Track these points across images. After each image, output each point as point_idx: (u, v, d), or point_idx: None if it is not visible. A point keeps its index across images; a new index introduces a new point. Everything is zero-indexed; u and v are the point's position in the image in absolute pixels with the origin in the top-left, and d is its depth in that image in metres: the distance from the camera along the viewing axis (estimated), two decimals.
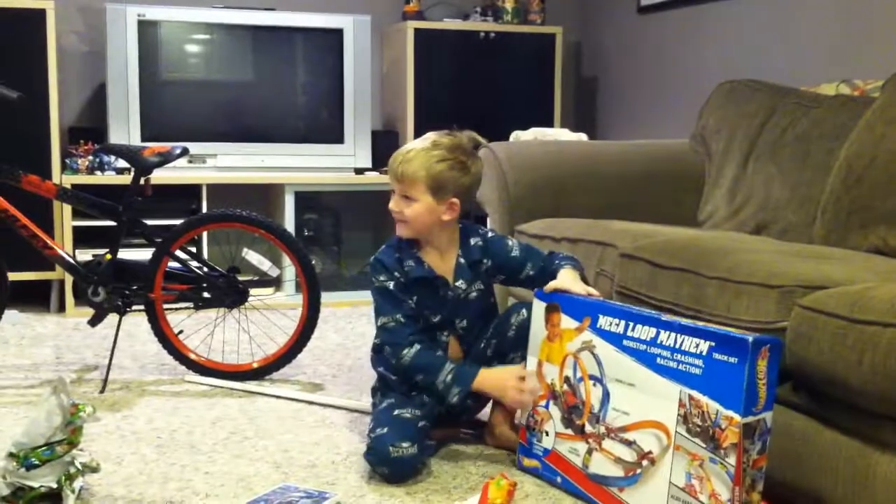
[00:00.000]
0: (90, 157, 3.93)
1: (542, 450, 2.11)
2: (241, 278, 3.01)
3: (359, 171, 4.32)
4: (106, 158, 3.93)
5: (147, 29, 4.00)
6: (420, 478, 2.13)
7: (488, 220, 3.24)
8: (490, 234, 2.39)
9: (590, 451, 1.98)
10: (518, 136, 3.95)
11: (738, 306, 1.96)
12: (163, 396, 2.76)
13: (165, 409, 2.64)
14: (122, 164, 3.85)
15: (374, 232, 4.55)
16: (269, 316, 3.13)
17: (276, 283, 3.91)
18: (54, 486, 1.93)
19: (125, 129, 3.95)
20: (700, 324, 1.82)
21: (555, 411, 2.09)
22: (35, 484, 1.94)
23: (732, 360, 1.70)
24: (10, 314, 3.66)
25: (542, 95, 4.66)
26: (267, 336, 3.07)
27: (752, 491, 1.73)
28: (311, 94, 4.42)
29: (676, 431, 1.78)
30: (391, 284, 2.26)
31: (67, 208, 3.74)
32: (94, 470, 2.01)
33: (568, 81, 4.88)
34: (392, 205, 2.28)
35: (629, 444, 1.89)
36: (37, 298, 3.95)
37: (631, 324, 1.91)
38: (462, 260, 2.33)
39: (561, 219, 3.03)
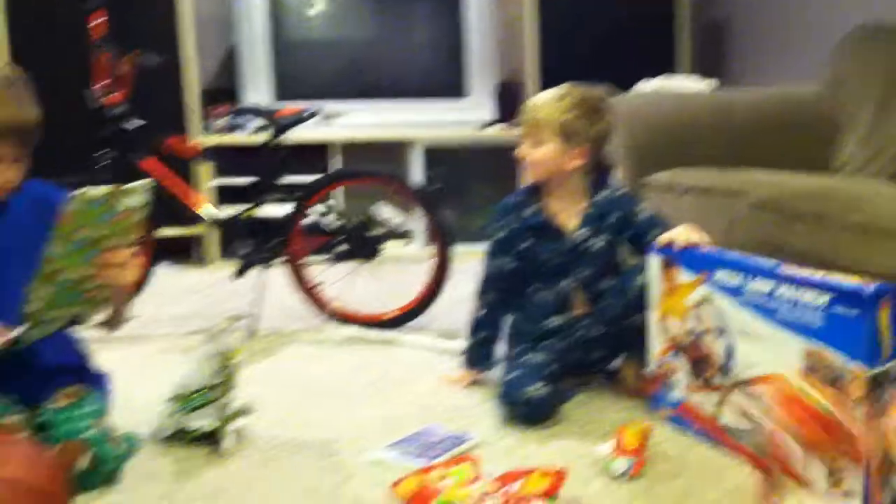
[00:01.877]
0: (226, 118, 4.09)
1: (675, 400, 2.14)
2: (373, 232, 3.13)
3: (484, 125, 4.37)
4: (241, 119, 4.09)
5: None
6: (554, 422, 2.19)
7: (615, 172, 3.25)
8: (622, 190, 2.45)
9: (720, 403, 2.01)
10: (644, 85, 3.93)
11: (875, 255, 1.94)
12: (305, 345, 2.91)
13: (309, 356, 2.78)
14: (256, 123, 4.00)
15: (499, 184, 4.59)
16: (403, 267, 3.24)
17: (407, 235, 4.02)
18: (213, 427, 2.07)
19: (258, 89, 4.09)
20: (818, 275, 1.79)
21: (682, 363, 2.12)
22: (195, 425, 2.08)
23: (853, 311, 1.67)
24: (160, 268, 3.87)
25: (667, 43, 4.60)
26: (401, 287, 3.18)
27: (887, 439, 1.72)
28: (435, 50, 4.49)
29: (802, 384, 1.77)
30: (501, 233, 2.39)
31: (208, 167, 3.92)
32: (248, 413, 2.14)
33: (693, 28, 4.79)
34: (521, 150, 2.37)
35: (756, 396, 1.90)
36: (183, 252, 4.15)
37: (748, 277, 1.90)
38: (589, 211, 2.37)
39: (688, 169, 3.02)
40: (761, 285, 1.87)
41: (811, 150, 3.19)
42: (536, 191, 2.40)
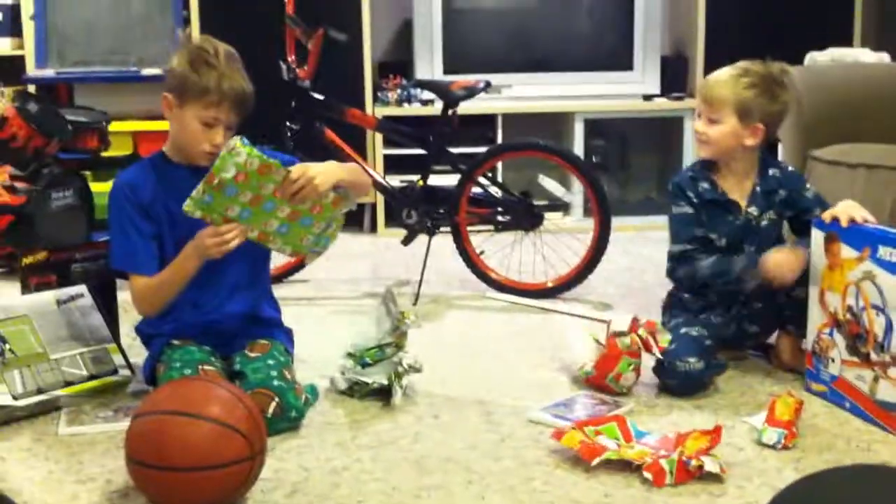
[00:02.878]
0: (398, 91, 4.27)
1: (829, 376, 2.17)
2: (535, 203, 3.23)
3: (647, 98, 4.38)
4: (412, 91, 4.25)
5: None
6: (707, 393, 2.26)
7: (780, 146, 3.24)
8: (790, 168, 2.47)
9: (876, 379, 2.03)
10: (814, 58, 3.85)
11: None
12: (467, 310, 3.06)
13: (470, 321, 2.93)
14: (426, 96, 4.16)
15: (661, 157, 4.61)
16: (561, 238, 3.33)
17: (566, 207, 4.11)
18: (385, 382, 2.24)
19: (429, 62, 4.24)
20: None
21: (839, 339, 2.14)
22: (368, 380, 2.26)
23: None
24: None
25: (841, 13, 4.47)
26: (559, 257, 3.28)
27: None
28: (600, 21, 4.51)
29: None
30: (688, 210, 2.39)
31: (379, 138, 4.10)
32: (418, 370, 2.30)
33: None
34: (697, 126, 2.39)
35: None
36: (351, 220, 4.37)
37: None
38: (758, 188, 2.40)
39: (858, 144, 2.97)
40: None
41: None
42: (708, 165, 2.42)
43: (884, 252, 2.00)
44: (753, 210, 2.39)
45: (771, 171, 2.42)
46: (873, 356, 2.04)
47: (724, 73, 2.36)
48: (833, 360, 2.16)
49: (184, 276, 2.12)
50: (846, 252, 2.11)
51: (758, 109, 2.32)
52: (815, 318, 2.21)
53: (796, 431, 1.98)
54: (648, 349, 2.24)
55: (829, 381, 2.17)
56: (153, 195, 2.17)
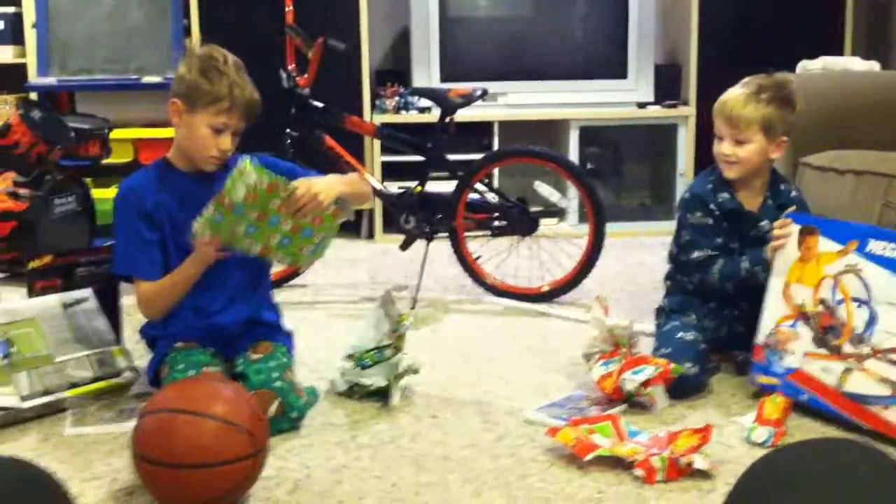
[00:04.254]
0: (396, 98, 4.32)
1: (784, 369, 2.18)
2: (531, 209, 3.29)
3: (641, 106, 4.43)
4: (409, 99, 4.30)
5: None
6: (701, 395, 2.31)
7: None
8: (798, 192, 2.51)
9: (848, 371, 2.05)
10: (805, 66, 3.91)
11: None
12: (464, 314, 3.11)
13: (467, 324, 2.98)
14: (423, 104, 4.21)
15: (654, 164, 4.67)
16: (557, 243, 3.39)
17: (561, 213, 4.15)
18: (383, 383, 2.29)
19: (426, 70, 4.29)
20: None
21: (804, 331, 2.15)
22: (368, 381, 2.31)
23: None
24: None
25: (832, 22, 4.53)
26: (555, 262, 3.33)
27: None
28: (594, 30, 4.57)
29: None
30: (709, 220, 2.42)
31: (377, 145, 4.16)
32: (416, 372, 2.35)
33: (860, 5, 4.69)
34: (724, 149, 2.39)
35: None
36: (349, 226, 4.42)
37: None
38: (770, 201, 2.45)
39: (848, 150, 3.03)
40: None
41: None
42: (722, 176, 2.44)
43: (875, 246, 2.04)
44: (765, 223, 2.41)
45: (784, 186, 2.47)
46: (848, 348, 2.06)
47: (740, 94, 2.38)
48: (792, 353, 2.17)
49: (186, 281, 2.17)
50: (826, 245, 2.13)
51: (781, 122, 2.36)
52: (775, 311, 2.22)
53: (785, 430, 2.03)
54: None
55: (783, 374, 2.18)
56: (156, 202, 2.21)
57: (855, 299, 2.07)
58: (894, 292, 2.00)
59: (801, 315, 2.18)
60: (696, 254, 2.43)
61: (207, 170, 2.18)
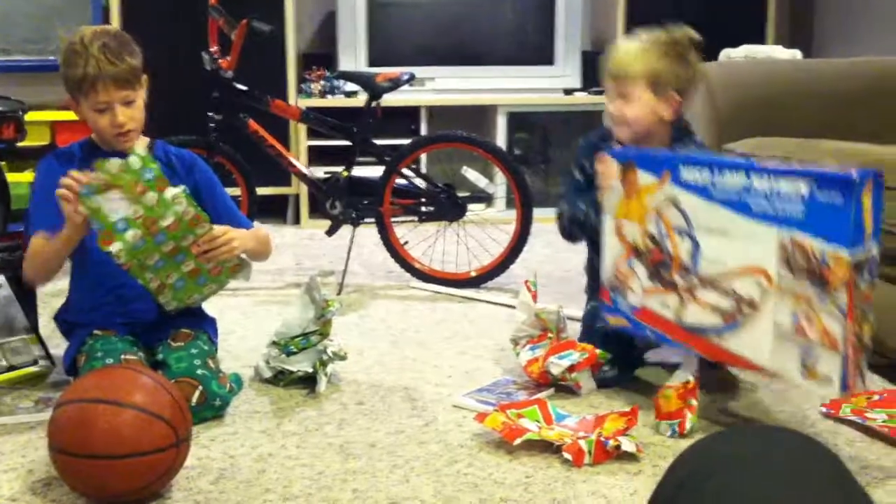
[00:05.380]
0: (322, 82, 4.27)
1: (630, 307, 2.11)
2: (458, 194, 3.28)
3: (568, 92, 4.46)
4: (336, 83, 4.26)
5: None
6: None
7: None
8: (701, 143, 2.34)
9: (682, 303, 1.99)
10: (728, 54, 3.97)
11: None
12: (392, 299, 3.08)
13: (395, 310, 2.96)
14: (350, 88, 4.17)
15: None
16: (485, 229, 3.38)
17: (488, 198, 4.15)
18: (310, 370, 2.26)
19: (353, 54, 4.25)
20: (795, 164, 1.78)
21: (639, 268, 2.07)
22: (293, 368, 2.28)
23: (837, 198, 1.69)
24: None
25: (755, 10, 4.61)
26: (482, 248, 3.33)
27: (864, 322, 1.75)
28: (522, 16, 4.57)
29: (779, 274, 1.79)
30: (581, 179, 2.31)
31: (303, 129, 4.10)
32: (343, 358, 2.32)
33: None
34: (610, 107, 2.22)
35: (727, 292, 1.90)
36: (274, 211, 4.36)
37: (718, 171, 1.88)
38: None
39: (770, 138, 3.07)
40: (734, 179, 1.85)
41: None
42: (609, 135, 2.29)
43: (686, 174, 1.93)
44: None
45: (682, 145, 2.25)
46: (679, 280, 1.99)
47: (629, 46, 2.22)
48: (633, 291, 2.10)
49: (62, 247, 2.08)
50: (644, 178, 2.02)
51: (672, 77, 2.16)
52: (613, 251, 2.13)
53: (689, 413, 1.98)
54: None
55: (630, 312, 2.12)
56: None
57: (677, 230, 1.98)
58: (711, 218, 1.91)
59: (635, 252, 2.08)
60: (567, 209, 2.32)
61: (123, 149, 2.13)
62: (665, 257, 2.02)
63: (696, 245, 1.95)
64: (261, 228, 2.34)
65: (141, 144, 2.22)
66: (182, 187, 2.03)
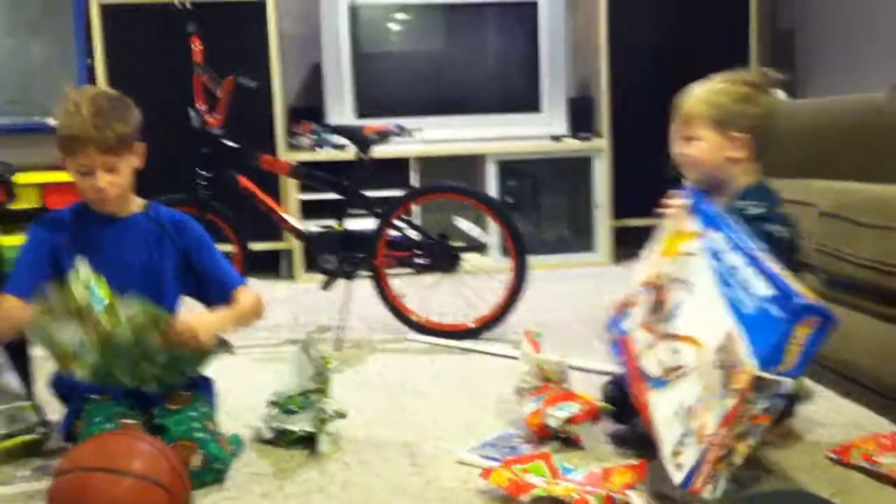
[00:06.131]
0: (311, 136, 4.28)
1: (621, 329, 2.14)
2: (452, 245, 3.27)
3: (555, 139, 4.48)
4: (325, 136, 4.26)
5: (357, 12, 4.30)
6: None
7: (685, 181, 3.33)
8: (776, 200, 2.19)
9: (649, 347, 2.02)
10: None
11: None
12: (389, 353, 3.06)
13: (393, 364, 2.93)
14: (338, 141, 4.18)
15: (571, 196, 4.70)
16: (480, 279, 3.37)
17: (482, 247, 4.15)
18: (310, 429, 2.23)
19: (340, 106, 4.27)
20: (780, 272, 1.78)
21: (645, 300, 2.09)
22: (294, 428, 2.24)
23: (779, 314, 1.70)
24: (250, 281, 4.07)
25: (738, 50, 4.65)
26: (479, 298, 3.31)
27: (741, 441, 1.75)
28: (508, 66, 4.61)
29: (711, 359, 1.80)
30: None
31: (294, 183, 4.10)
32: (343, 416, 2.29)
33: (765, 35, 4.83)
34: (675, 148, 2.21)
35: (675, 351, 1.92)
36: (268, 266, 4.34)
37: (730, 246, 1.90)
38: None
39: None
40: (735, 259, 1.87)
41: (879, 158, 3.22)
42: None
43: (715, 237, 1.95)
44: None
45: (742, 202, 2.11)
46: (660, 327, 2.01)
47: (695, 88, 2.20)
48: (632, 317, 2.11)
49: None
50: (691, 225, 2.04)
51: (736, 116, 2.11)
52: (641, 273, 2.15)
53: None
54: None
55: (619, 334, 2.13)
56: (70, 242, 2.15)
57: (680, 280, 2.00)
58: (701, 282, 1.93)
59: (652, 284, 2.09)
60: None
61: (106, 212, 2.13)
62: (664, 300, 2.03)
63: (682, 300, 1.97)
64: (249, 292, 2.27)
65: (137, 205, 2.22)
66: (138, 300, 2.00)
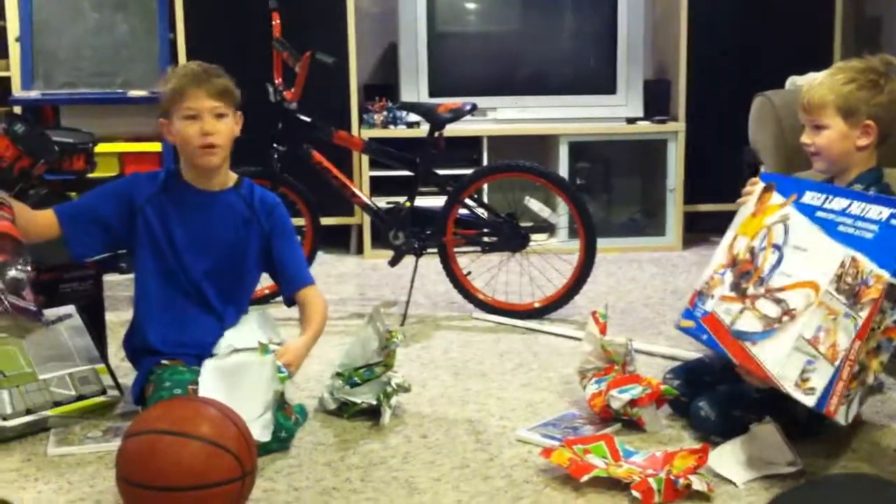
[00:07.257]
0: (384, 113, 4.29)
1: (702, 311, 2.13)
2: (521, 225, 3.26)
3: (630, 121, 4.42)
4: (398, 113, 4.28)
5: None
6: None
7: (762, 168, 3.28)
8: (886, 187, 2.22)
9: (742, 311, 2.02)
10: (795, 81, 3.90)
11: None
12: (454, 330, 3.07)
13: (458, 341, 2.94)
14: (412, 118, 4.19)
15: (644, 180, 4.65)
16: (547, 259, 3.36)
17: (551, 228, 4.13)
18: (373, 402, 2.25)
19: (414, 84, 4.27)
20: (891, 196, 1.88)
21: (727, 277, 2.10)
22: (357, 400, 2.27)
23: None
24: (319, 255, 4.11)
25: (822, 37, 4.53)
26: (545, 278, 3.30)
27: (875, 357, 1.78)
28: (584, 46, 4.55)
29: (826, 290, 1.85)
30: None
31: (366, 160, 4.12)
32: (406, 390, 2.31)
33: (849, 20, 4.70)
34: (803, 137, 2.21)
35: (778, 302, 1.94)
36: (337, 241, 4.38)
37: (830, 196, 1.97)
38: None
39: None
40: (839, 203, 1.95)
41: None
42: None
43: (808, 196, 2.02)
44: None
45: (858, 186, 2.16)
46: (750, 290, 2.03)
47: (820, 75, 2.21)
48: (713, 297, 2.12)
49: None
50: (774, 199, 2.09)
51: (863, 104, 2.12)
52: (715, 261, 2.17)
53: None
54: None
55: (700, 317, 2.13)
56: (152, 203, 2.25)
57: (774, 246, 2.03)
58: (802, 236, 1.98)
59: (732, 263, 2.11)
60: None
61: (206, 165, 2.21)
62: (751, 268, 2.07)
63: (779, 259, 2.01)
64: (318, 297, 2.35)
65: (231, 180, 2.27)
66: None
